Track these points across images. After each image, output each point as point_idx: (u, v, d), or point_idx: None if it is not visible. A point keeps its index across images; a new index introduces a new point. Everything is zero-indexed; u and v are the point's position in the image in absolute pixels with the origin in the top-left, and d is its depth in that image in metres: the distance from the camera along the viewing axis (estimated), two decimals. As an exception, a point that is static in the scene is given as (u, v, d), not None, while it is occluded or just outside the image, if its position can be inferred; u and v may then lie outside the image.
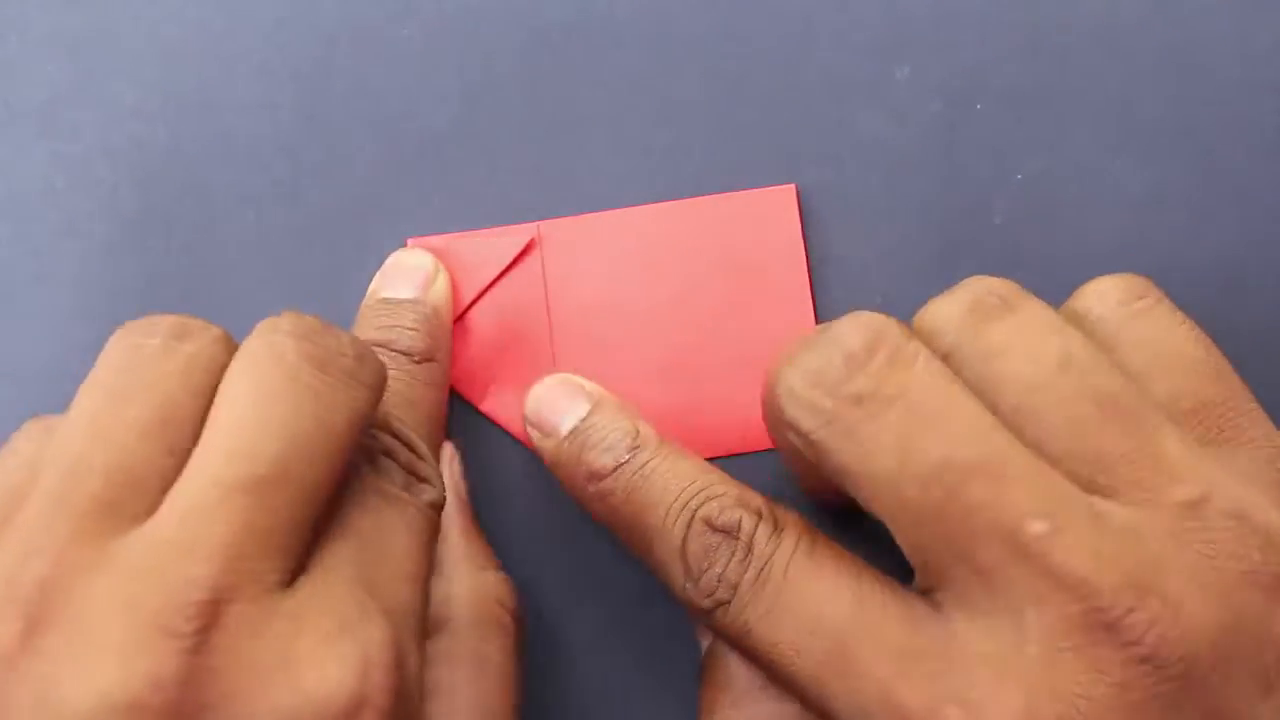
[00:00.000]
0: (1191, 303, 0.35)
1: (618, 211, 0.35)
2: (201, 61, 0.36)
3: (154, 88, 0.36)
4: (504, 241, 0.35)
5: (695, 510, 0.27)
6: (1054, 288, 0.35)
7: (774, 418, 0.27)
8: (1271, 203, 0.35)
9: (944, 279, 0.35)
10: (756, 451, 0.34)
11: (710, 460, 0.30)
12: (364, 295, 0.34)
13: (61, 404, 0.24)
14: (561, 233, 0.35)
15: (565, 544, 0.34)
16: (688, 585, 0.26)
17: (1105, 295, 0.28)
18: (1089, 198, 0.35)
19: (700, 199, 0.35)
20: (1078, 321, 0.28)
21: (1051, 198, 0.35)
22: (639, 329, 0.34)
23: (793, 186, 0.35)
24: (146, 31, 0.36)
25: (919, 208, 0.35)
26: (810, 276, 0.35)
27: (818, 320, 0.34)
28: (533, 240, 0.35)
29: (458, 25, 0.36)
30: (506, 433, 0.34)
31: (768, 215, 0.35)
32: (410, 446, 0.26)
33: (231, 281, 0.35)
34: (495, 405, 0.34)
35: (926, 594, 0.25)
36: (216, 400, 0.23)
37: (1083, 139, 0.36)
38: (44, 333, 0.35)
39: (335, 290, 0.35)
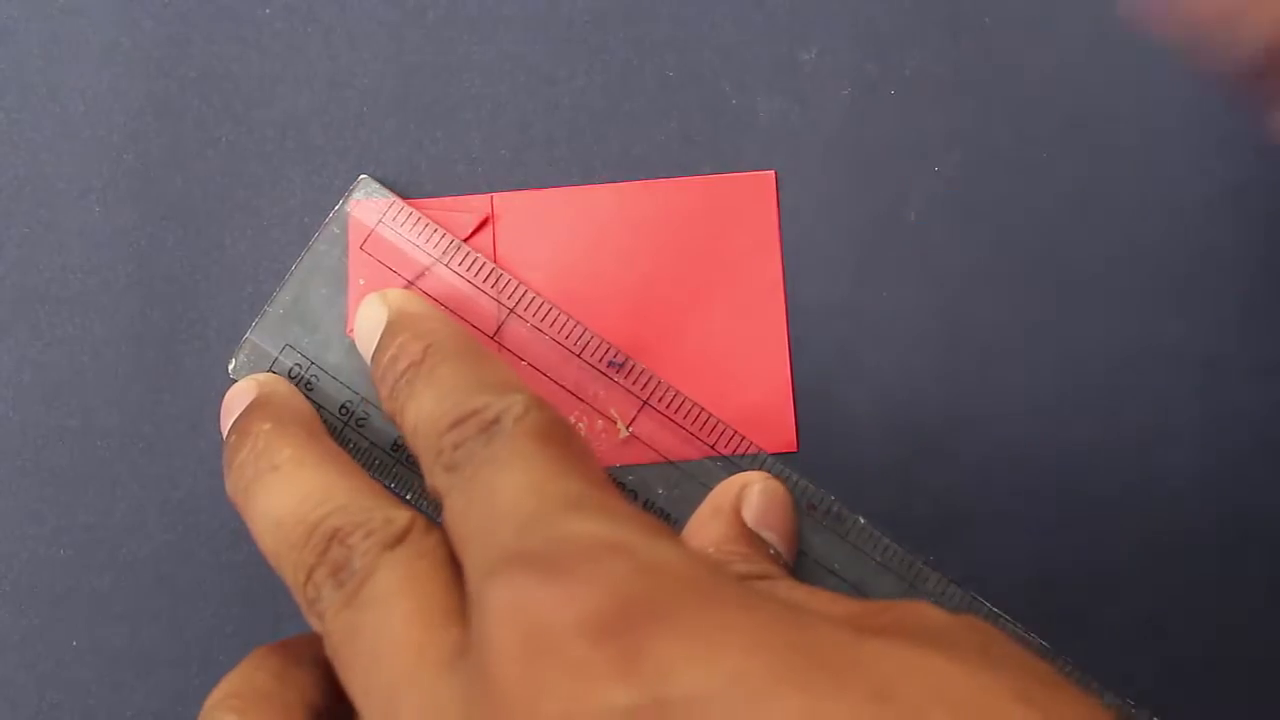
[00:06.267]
0: (1126, 308, 0.32)
1: (581, 188, 0.32)
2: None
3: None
4: (455, 217, 0.32)
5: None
6: (975, 294, 0.32)
7: None
8: (1210, 199, 0.32)
9: (855, 282, 0.32)
10: (719, 455, 0.31)
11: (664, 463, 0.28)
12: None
13: None
14: (517, 207, 0.32)
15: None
16: None
17: None
18: (1013, 193, 0.32)
19: (671, 180, 0.32)
20: None
21: (973, 194, 0.32)
22: (596, 316, 0.32)
23: (771, 173, 0.32)
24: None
25: (826, 204, 0.32)
26: (783, 266, 0.32)
27: (789, 316, 0.32)
28: (487, 216, 0.32)
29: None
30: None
31: (743, 201, 0.32)
32: None
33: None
34: None
35: None
36: None
37: (1006, 130, 0.32)
38: None
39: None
